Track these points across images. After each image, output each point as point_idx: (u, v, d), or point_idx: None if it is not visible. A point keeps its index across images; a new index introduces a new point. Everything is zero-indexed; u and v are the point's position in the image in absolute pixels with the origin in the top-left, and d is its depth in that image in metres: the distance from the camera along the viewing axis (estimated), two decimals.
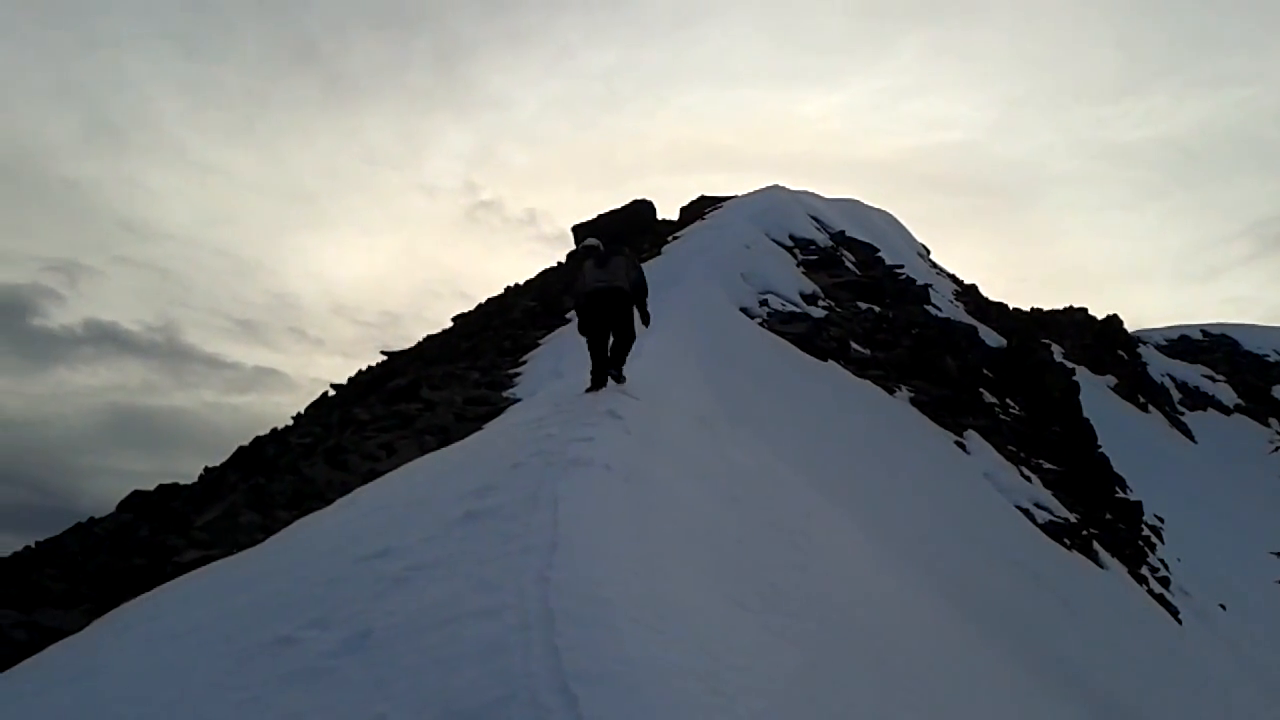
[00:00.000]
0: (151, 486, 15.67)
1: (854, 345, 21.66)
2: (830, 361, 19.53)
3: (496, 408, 14.33)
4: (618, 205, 38.99)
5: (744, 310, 20.73)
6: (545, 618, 3.89)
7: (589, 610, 4.05)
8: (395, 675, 3.61)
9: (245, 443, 17.63)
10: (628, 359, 11.08)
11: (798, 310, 22.18)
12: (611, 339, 10.91)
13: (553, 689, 3.23)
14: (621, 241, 11.85)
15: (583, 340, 11.20)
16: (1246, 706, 19.19)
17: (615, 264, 11.11)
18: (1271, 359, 60.54)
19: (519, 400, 14.53)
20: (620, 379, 10.88)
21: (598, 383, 10.83)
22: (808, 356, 18.94)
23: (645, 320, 11.27)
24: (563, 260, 38.81)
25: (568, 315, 23.40)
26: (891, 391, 20.35)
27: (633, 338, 11.07)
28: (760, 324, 20.18)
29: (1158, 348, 60.66)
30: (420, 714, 3.22)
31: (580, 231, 38.11)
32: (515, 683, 3.32)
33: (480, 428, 12.28)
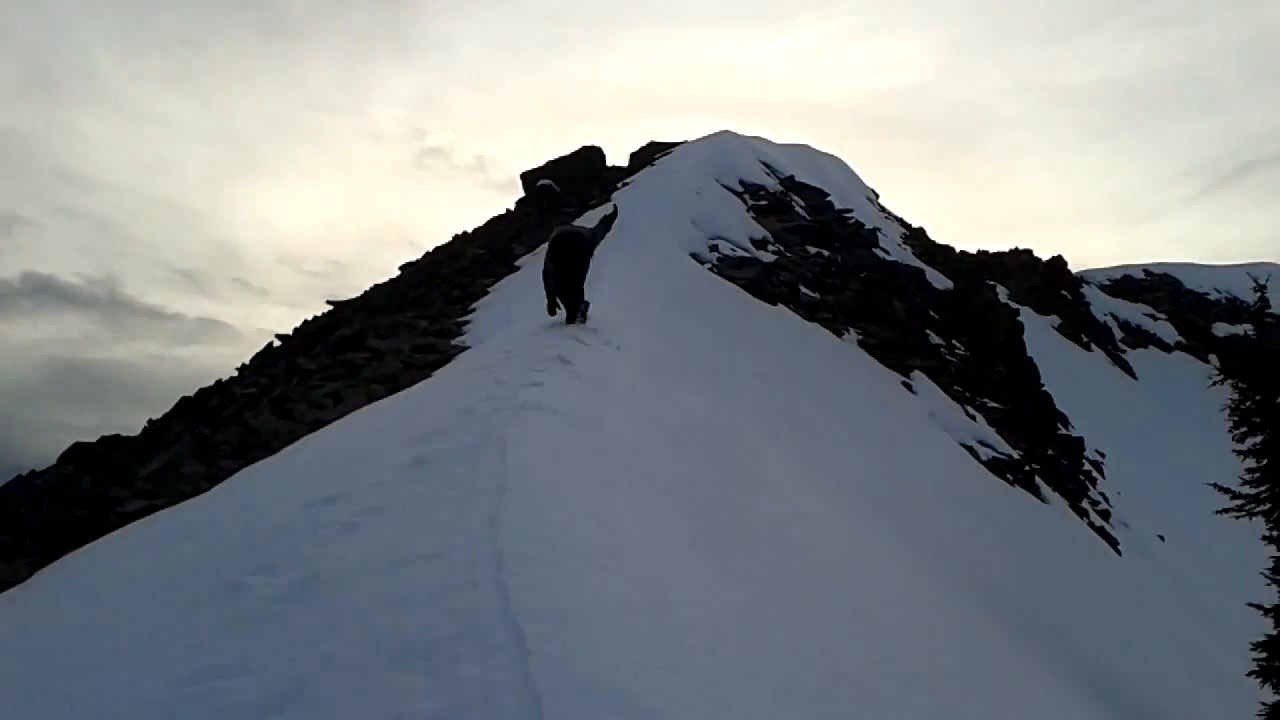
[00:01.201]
0: (93, 440, 15.41)
1: (803, 289, 21.73)
2: (780, 306, 19.60)
3: (445, 355, 14.23)
4: (567, 152, 38.62)
5: (694, 256, 20.71)
6: (494, 558, 3.88)
7: (538, 550, 4.05)
8: (344, 618, 3.59)
9: (189, 394, 17.35)
10: (580, 305, 12.03)
11: (748, 255, 22.18)
12: (566, 288, 11.91)
13: (502, 627, 3.23)
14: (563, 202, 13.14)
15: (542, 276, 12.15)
16: (1183, 630, 19.79)
17: (585, 220, 12.09)
18: (1212, 297, 61.71)
19: (468, 348, 14.44)
20: (577, 320, 11.86)
21: (552, 310, 11.98)
22: (758, 301, 18.99)
23: (599, 236, 12.51)
24: (512, 208, 38.45)
25: (517, 264, 23.25)
26: (840, 335, 20.50)
27: (582, 293, 12.04)
28: (710, 269, 20.18)
29: (1101, 288, 61.58)
30: (370, 654, 3.21)
31: (530, 178, 37.75)
32: (464, 621, 3.32)
33: (429, 376, 12.19)
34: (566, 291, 11.96)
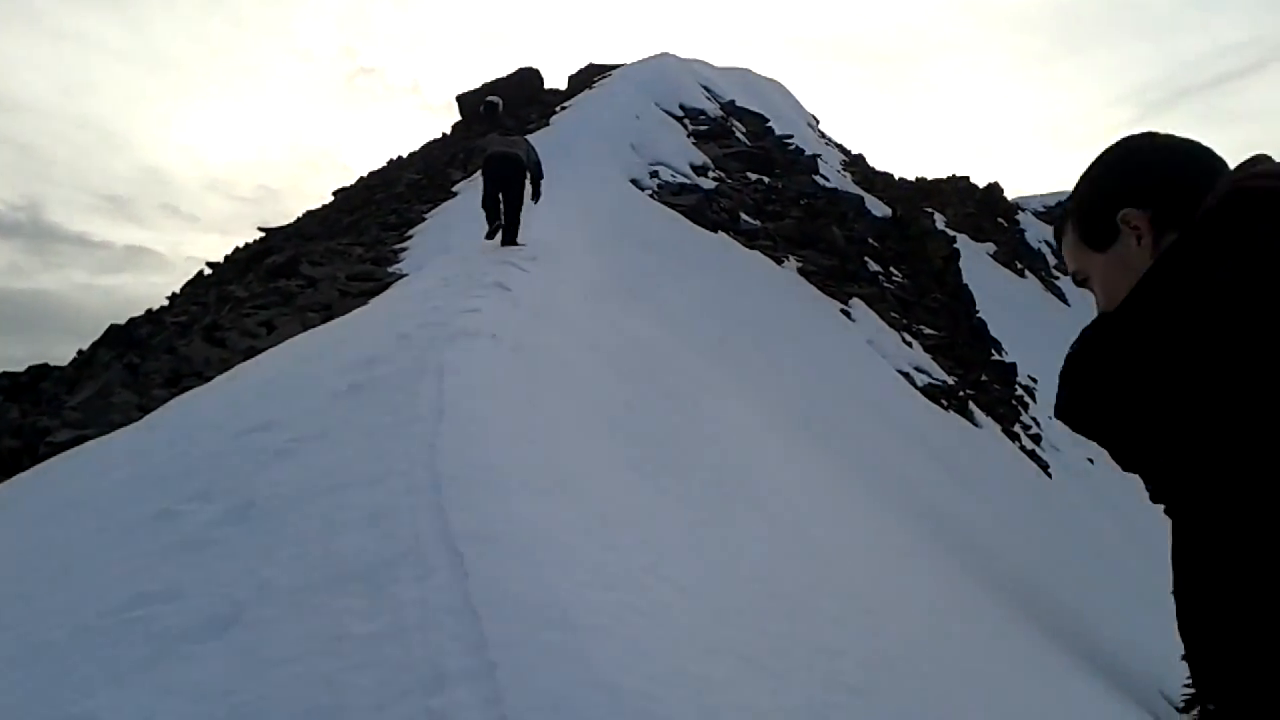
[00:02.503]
0: (21, 370, 15.09)
1: (744, 216, 21.72)
2: (720, 233, 19.59)
3: (382, 283, 14.05)
4: (504, 74, 37.97)
5: (634, 182, 20.58)
6: (432, 483, 3.87)
7: (477, 475, 4.05)
8: (280, 543, 3.57)
9: (119, 322, 17.00)
10: (517, 223, 12.71)
11: (688, 182, 22.09)
12: (502, 202, 12.57)
13: (440, 549, 3.23)
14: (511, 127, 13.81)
15: (480, 196, 12.95)
16: (1112, 549, 20.44)
17: (518, 141, 13.03)
18: None
19: (405, 275, 14.27)
20: (510, 239, 12.45)
21: (492, 233, 12.62)
22: (698, 228, 18.95)
23: (536, 197, 12.94)
24: (448, 131, 37.82)
25: (454, 190, 22.93)
26: (780, 262, 20.56)
27: (520, 204, 12.67)
28: (650, 195, 20.07)
29: (1036, 214, 62.40)
30: (307, 578, 3.20)
31: (467, 100, 37.09)
32: (402, 544, 3.31)
33: (365, 303, 12.05)
34: (502, 212, 12.50)
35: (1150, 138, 1.60)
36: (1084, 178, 1.65)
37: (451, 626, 2.74)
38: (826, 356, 16.32)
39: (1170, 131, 1.61)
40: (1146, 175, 1.55)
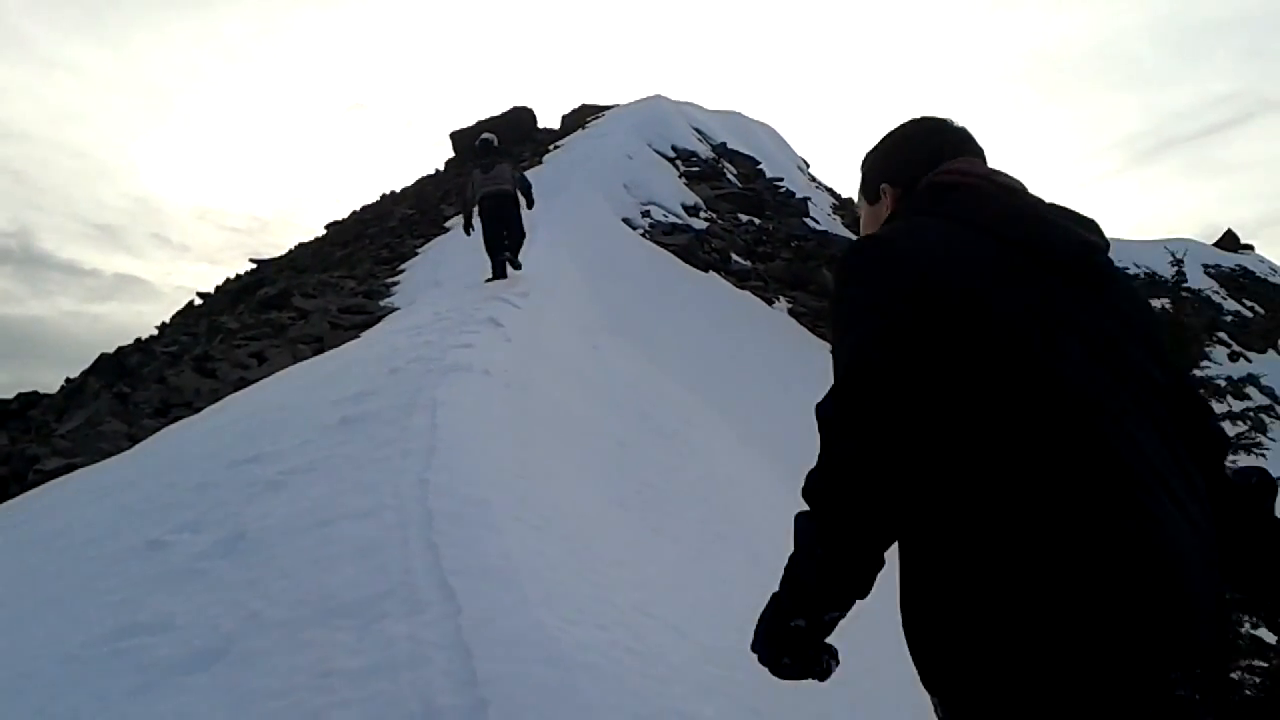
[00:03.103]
0: (10, 396, 15.04)
1: (735, 257, 21.83)
2: (711, 273, 19.68)
3: (374, 316, 14.06)
4: (497, 112, 38.22)
5: (626, 221, 20.68)
6: (424, 517, 3.87)
7: (468, 510, 4.05)
8: (270, 575, 3.56)
9: (108, 351, 16.96)
10: (521, 247, 12.98)
11: (679, 222, 22.21)
12: (506, 235, 12.78)
13: (431, 584, 3.23)
14: (501, 150, 14.02)
15: (478, 239, 13.09)
16: None
17: (500, 170, 12.96)
18: (1131, 271, 63.20)
19: (397, 309, 14.29)
20: (517, 265, 12.65)
21: (498, 273, 12.58)
22: (689, 268, 19.04)
23: (529, 204, 13.15)
24: (441, 168, 38.00)
25: (446, 225, 23.01)
26: (770, 303, 20.65)
27: (523, 233, 12.97)
28: (642, 235, 20.18)
29: None
30: (297, 611, 3.20)
31: (459, 138, 37.30)
32: (394, 579, 3.32)
33: (357, 336, 12.06)
34: (503, 245, 12.73)
35: (915, 126, 2.05)
36: (869, 153, 2.11)
37: (442, 662, 2.74)
38: (815, 397, 16.33)
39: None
40: (899, 160, 2.02)
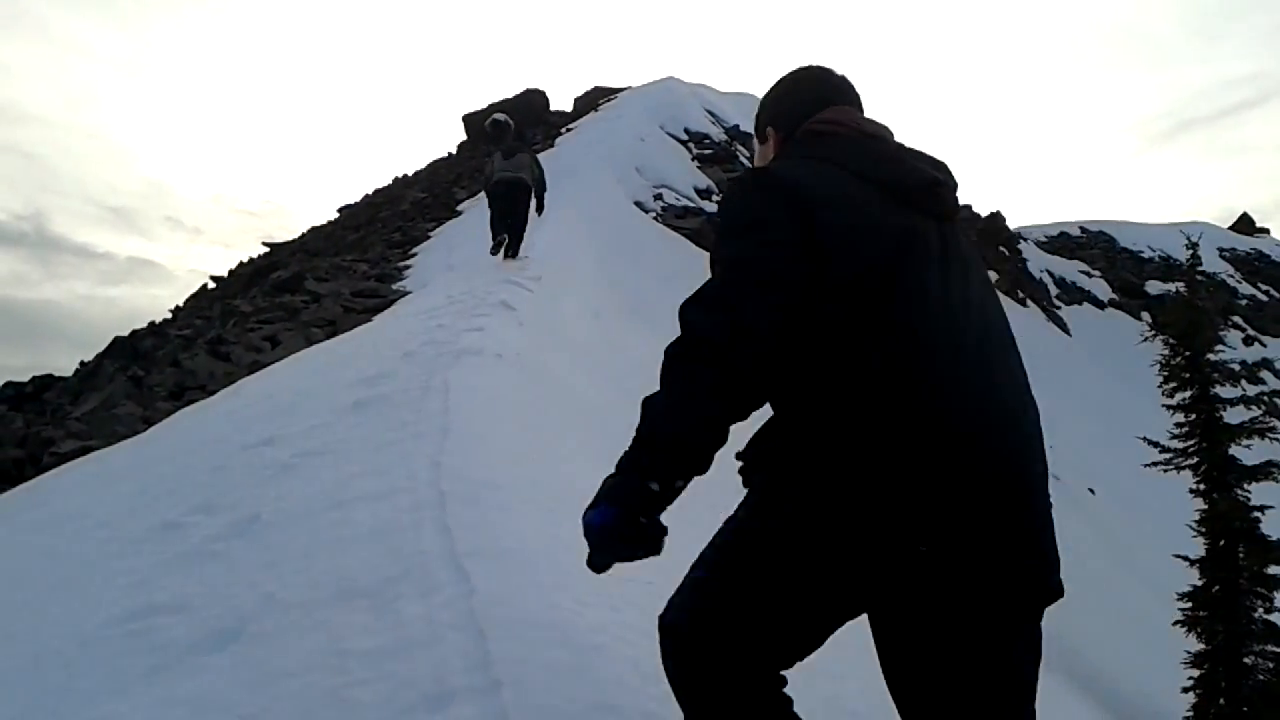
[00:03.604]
0: (25, 379, 15.12)
1: None
2: None
3: (386, 300, 14.10)
4: (510, 95, 38.15)
5: (638, 204, 20.66)
6: (437, 500, 3.88)
7: (481, 492, 4.06)
8: (285, 557, 3.58)
9: (122, 334, 17.04)
10: (521, 238, 13.25)
11: (692, 205, 22.19)
12: (509, 222, 13.06)
13: (445, 565, 3.24)
14: (522, 136, 14.65)
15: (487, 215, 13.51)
16: (1109, 580, 20.37)
17: (520, 159, 13.19)
18: (1146, 255, 62.84)
19: (409, 292, 14.32)
20: (515, 255, 12.95)
21: (497, 247, 13.06)
22: (702, 251, 19.00)
23: (540, 210, 13.28)
24: (453, 151, 37.98)
25: (459, 208, 23.01)
26: None
27: (525, 223, 13.20)
28: (654, 218, 20.15)
29: (1038, 244, 62.37)
30: (312, 593, 3.21)
31: (471, 121, 37.25)
32: (408, 561, 3.33)
33: (369, 320, 12.09)
34: (507, 230, 13.05)
35: (798, 76, 2.34)
36: (763, 98, 2.37)
37: (456, 643, 2.75)
38: None
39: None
40: (782, 109, 2.30)
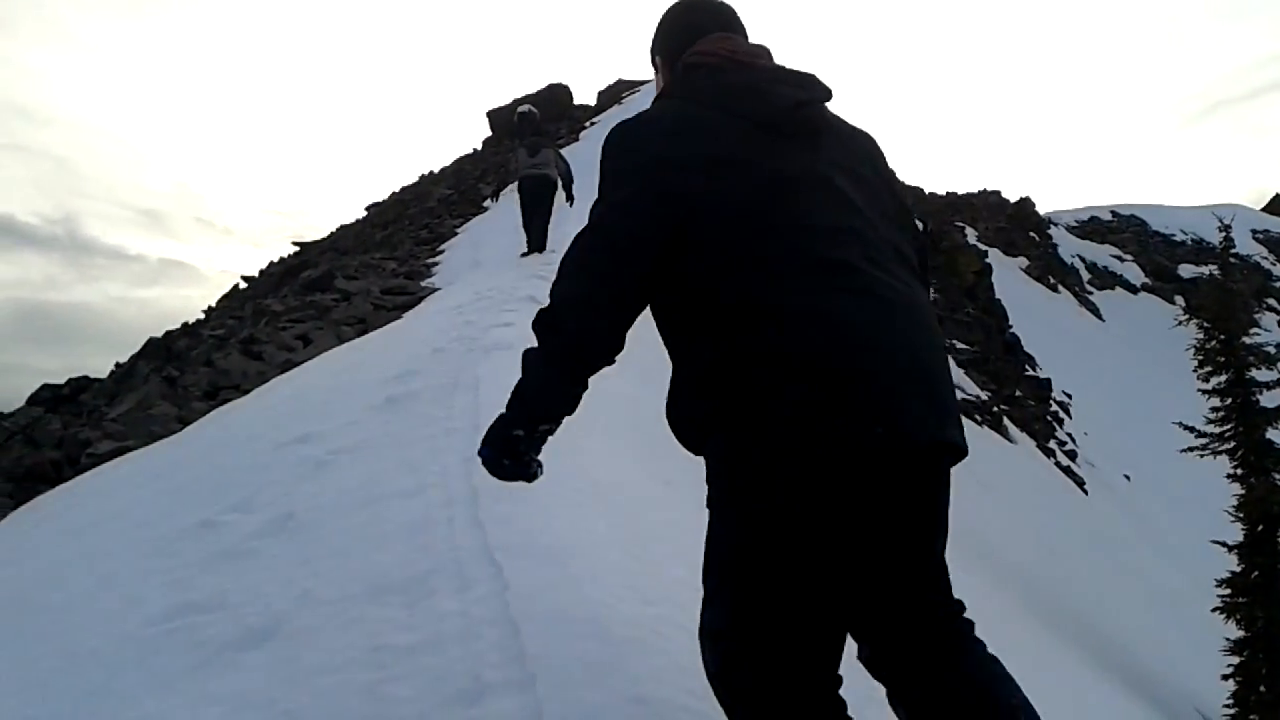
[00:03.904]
0: (62, 382, 15.30)
1: None
2: None
3: (415, 297, 14.16)
4: (533, 90, 38.20)
5: None
6: (469, 495, 3.90)
7: (513, 487, 4.06)
8: (320, 554, 3.61)
9: (156, 335, 17.22)
10: (549, 233, 13.51)
11: None
12: (535, 217, 13.41)
13: (479, 561, 3.26)
14: (542, 130, 14.64)
15: (516, 219, 13.89)
16: (1149, 567, 20.21)
17: (545, 155, 13.38)
18: (1178, 238, 62.24)
19: (438, 289, 14.37)
20: (542, 249, 13.18)
21: (533, 247, 13.36)
22: None
23: (570, 200, 13.47)
24: (479, 147, 38.07)
25: (485, 204, 23.07)
26: None
27: (549, 217, 13.48)
28: None
29: (1068, 229, 61.92)
30: (346, 588, 3.24)
31: (496, 117, 37.34)
32: (441, 556, 3.35)
33: (399, 317, 12.15)
34: (534, 227, 13.42)
35: (686, 6, 2.37)
36: (655, 29, 2.42)
37: (491, 638, 2.77)
38: None
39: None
40: (665, 39, 2.38)
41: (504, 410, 2.12)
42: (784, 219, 1.98)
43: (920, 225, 2.21)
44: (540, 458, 2.25)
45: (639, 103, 30.90)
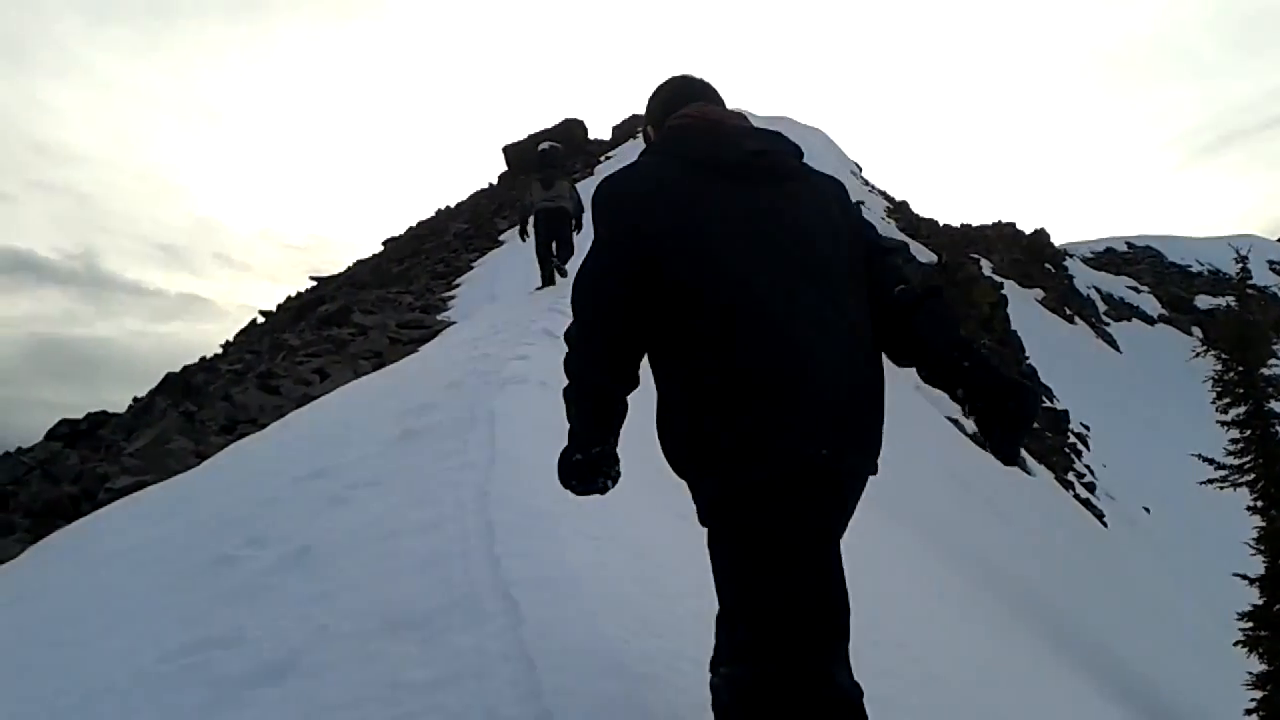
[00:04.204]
0: (80, 416, 15.37)
1: None
2: None
3: (431, 331, 14.22)
4: (549, 125, 38.45)
5: None
6: (485, 529, 3.91)
7: (528, 521, 4.07)
8: (337, 589, 3.61)
9: (174, 370, 17.31)
10: (570, 260, 13.65)
11: None
12: (556, 248, 13.60)
13: (494, 595, 3.26)
14: (559, 166, 14.74)
15: (530, 251, 14.01)
16: (1169, 600, 20.00)
17: (560, 187, 13.67)
18: (1195, 269, 62.04)
19: (454, 323, 14.43)
20: (564, 273, 13.44)
21: (547, 281, 13.49)
22: None
23: (578, 228, 13.66)
24: (494, 182, 38.29)
25: (500, 238, 23.19)
26: None
27: (573, 248, 13.58)
28: None
29: (1084, 260, 61.79)
30: (363, 624, 3.24)
31: (512, 152, 37.58)
32: (457, 591, 3.35)
33: (415, 350, 12.19)
34: (552, 256, 13.59)
35: (666, 83, 2.81)
36: (647, 103, 2.83)
37: (507, 674, 2.76)
38: None
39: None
40: (655, 109, 2.78)
41: (567, 443, 2.52)
42: (743, 254, 2.30)
43: (902, 260, 2.49)
44: (564, 495, 2.65)
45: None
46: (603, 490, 2.56)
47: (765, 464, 2.19)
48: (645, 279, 2.30)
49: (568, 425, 2.50)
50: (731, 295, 2.25)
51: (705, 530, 2.40)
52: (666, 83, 2.81)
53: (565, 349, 2.47)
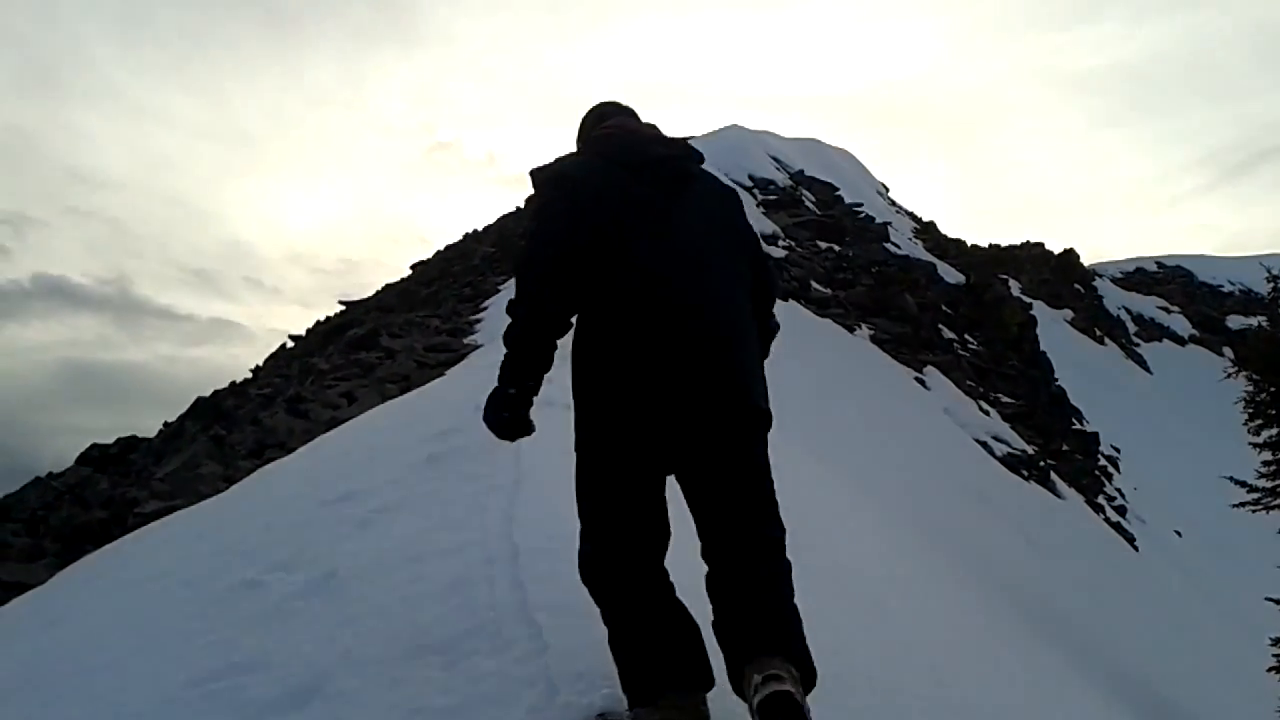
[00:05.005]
0: (110, 441, 15.52)
1: (814, 284, 21.72)
2: (791, 301, 19.59)
3: (458, 354, 14.27)
4: (571, 148, 38.60)
5: None
6: (510, 553, 3.91)
7: (553, 545, 4.06)
8: (362, 613, 3.63)
9: (204, 394, 17.46)
10: None
11: None
12: None
13: (519, 620, 3.26)
14: None
15: None
16: (1201, 625, 19.70)
17: None
18: (1226, 289, 61.41)
19: (481, 346, 14.48)
20: None
21: None
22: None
23: None
24: (522, 205, 38.45)
25: None
26: (852, 330, 20.47)
27: None
28: None
29: (1114, 280, 61.29)
30: (388, 648, 3.25)
31: (537, 175, 37.71)
32: (481, 615, 3.35)
33: (442, 374, 12.24)
34: None
35: (602, 105, 3.35)
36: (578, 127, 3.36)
37: (529, 699, 2.76)
38: (901, 424, 16.13)
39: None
40: (585, 125, 3.30)
41: (498, 382, 2.91)
42: (647, 236, 2.80)
43: (766, 259, 3.30)
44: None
45: None
46: (527, 431, 3.04)
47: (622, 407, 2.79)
48: (578, 240, 2.76)
49: (504, 361, 2.89)
50: (629, 273, 2.76)
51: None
52: (596, 105, 3.35)
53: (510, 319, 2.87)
